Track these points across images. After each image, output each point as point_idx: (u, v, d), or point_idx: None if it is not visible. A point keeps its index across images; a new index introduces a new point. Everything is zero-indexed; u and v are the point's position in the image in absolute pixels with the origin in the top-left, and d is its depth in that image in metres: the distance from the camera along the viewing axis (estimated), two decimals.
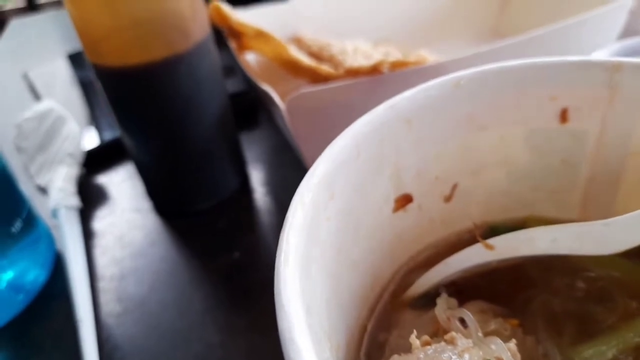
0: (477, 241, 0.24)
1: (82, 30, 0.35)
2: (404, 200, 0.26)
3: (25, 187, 0.40)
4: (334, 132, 0.25)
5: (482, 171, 0.27)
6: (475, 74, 0.25)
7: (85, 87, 0.63)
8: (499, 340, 0.19)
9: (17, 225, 0.35)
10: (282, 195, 0.44)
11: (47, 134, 0.48)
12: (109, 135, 0.52)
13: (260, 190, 0.45)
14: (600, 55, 0.38)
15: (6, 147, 0.43)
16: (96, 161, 0.49)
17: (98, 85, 0.38)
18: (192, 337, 0.33)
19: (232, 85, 0.54)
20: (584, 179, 0.27)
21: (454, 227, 0.28)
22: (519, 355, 0.19)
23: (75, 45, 0.69)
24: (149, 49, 0.35)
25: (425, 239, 0.28)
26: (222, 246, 0.39)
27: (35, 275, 0.38)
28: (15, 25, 0.94)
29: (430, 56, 0.45)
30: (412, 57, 0.38)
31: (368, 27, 0.58)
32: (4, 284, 0.36)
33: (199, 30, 0.36)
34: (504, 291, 0.25)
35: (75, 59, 0.69)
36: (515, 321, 0.23)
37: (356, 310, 0.24)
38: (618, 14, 0.45)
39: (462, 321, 0.20)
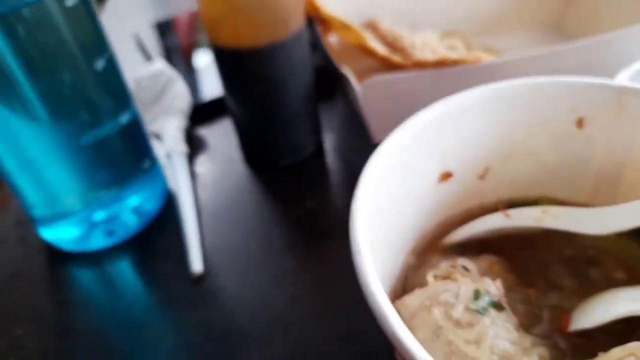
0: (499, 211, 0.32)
1: (205, 13, 0.44)
2: (447, 176, 0.34)
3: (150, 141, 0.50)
4: (398, 112, 0.34)
5: (510, 159, 0.35)
6: (512, 86, 0.32)
7: (169, 53, 0.73)
8: (488, 279, 0.27)
9: (147, 163, 0.46)
10: (349, 160, 0.52)
11: (160, 90, 0.57)
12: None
13: (332, 154, 0.53)
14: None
15: None
16: (202, 115, 0.59)
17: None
18: (272, 265, 0.43)
19: (315, 60, 0.62)
20: (593, 173, 0.35)
21: (484, 199, 0.36)
22: (502, 290, 0.27)
23: (160, 13, 0.79)
24: (256, 36, 0.43)
25: (462, 205, 0.36)
26: (298, 196, 0.48)
27: (153, 203, 0.48)
28: None
29: (487, 53, 0.52)
30: (469, 57, 0.45)
31: (438, 17, 0.65)
32: (130, 209, 0.46)
33: (297, 22, 0.45)
34: (514, 249, 0.33)
35: (161, 27, 0.79)
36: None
37: (402, 251, 0.33)
38: None
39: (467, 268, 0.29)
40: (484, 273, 0.30)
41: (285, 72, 0.46)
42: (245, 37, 0.44)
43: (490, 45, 0.59)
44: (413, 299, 0.27)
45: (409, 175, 0.31)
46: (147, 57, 0.70)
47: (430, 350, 0.24)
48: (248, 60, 0.45)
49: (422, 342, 0.25)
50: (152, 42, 0.77)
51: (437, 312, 0.25)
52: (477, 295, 0.26)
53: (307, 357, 0.35)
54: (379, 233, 0.28)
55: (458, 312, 0.25)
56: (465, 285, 0.26)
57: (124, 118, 0.42)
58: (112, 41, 0.42)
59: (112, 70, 0.42)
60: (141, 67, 0.59)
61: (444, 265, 0.30)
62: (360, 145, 0.53)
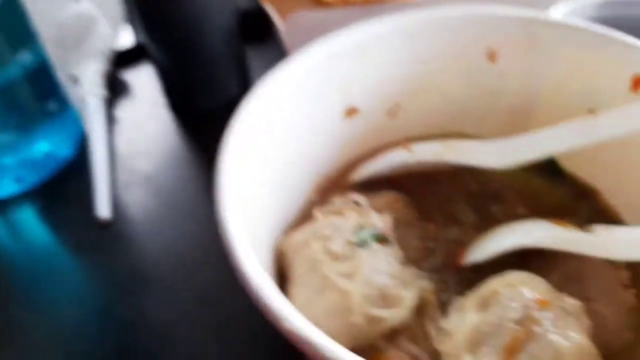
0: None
1: None
2: (352, 111, 0.32)
3: (62, 77, 0.47)
4: None
5: (420, 95, 0.33)
6: (419, 17, 0.31)
7: None
8: (374, 213, 0.26)
9: (52, 105, 0.43)
10: None
11: (83, 32, 0.54)
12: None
13: None
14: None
15: (48, 40, 0.50)
16: (125, 59, 0.56)
17: None
18: (187, 208, 0.41)
19: (247, 3, 0.59)
20: (506, 107, 0.33)
21: (394, 137, 0.34)
22: (390, 224, 0.26)
23: None
24: None
25: (371, 144, 0.34)
26: (219, 139, 0.46)
27: (65, 148, 0.45)
28: None
29: None
30: None
31: None
32: (41, 154, 0.44)
33: None
34: (419, 185, 0.32)
35: None
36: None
37: (304, 188, 0.31)
38: None
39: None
40: (383, 209, 0.29)
41: (202, 13, 0.43)
42: None
43: None
44: (297, 235, 0.26)
45: (309, 109, 0.30)
46: None
47: (304, 284, 0.23)
48: (163, 1, 0.42)
49: (299, 277, 0.24)
50: None
51: (315, 246, 0.24)
52: (359, 228, 0.25)
53: (214, 298, 0.35)
54: (272, 170, 0.27)
55: (337, 246, 0.24)
56: (350, 219, 0.25)
57: (26, 58, 0.40)
58: None
59: (11, 8, 0.39)
60: (67, 8, 0.55)
61: (337, 202, 0.28)
62: None
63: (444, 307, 0.25)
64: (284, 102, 0.28)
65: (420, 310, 0.25)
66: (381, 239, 0.25)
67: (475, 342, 0.21)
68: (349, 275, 0.23)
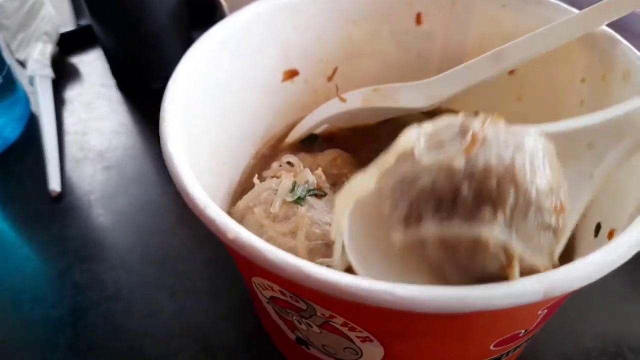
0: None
1: None
2: (291, 74, 0.31)
3: (9, 60, 0.45)
4: None
5: (357, 59, 0.32)
6: None
7: None
8: (307, 170, 0.25)
9: None
10: None
11: (27, 14, 0.51)
12: (86, 22, 0.56)
13: None
14: None
15: None
16: (72, 43, 0.53)
17: None
18: (139, 178, 0.40)
19: None
20: (435, 69, 0.33)
21: None
22: (324, 177, 0.25)
23: None
24: None
25: (311, 106, 0.33)
26: None
27: (12, 127, 0.43)
28: None
29: None
30: None
31: None
32: None
33: None
34: (358, 143, 0.32)
35: None
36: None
37: (247, 149, 0.31)
38: None
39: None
40: (327, 166, 0.28)
41: None
42: None
43: None
44: (241, 203, 0.25)
45: (248, 65, 0.29)
46: None
47: None
48: None
49: None
50: None
51: (257, 211, 0.24)
52: (293, 187, 0.24)
53: (167, 260, 0.34)
54: (207, 131, 0.26)
55: (275, 208, 0.23)
56: (285, 181, 0.25)
57: None
58: None
59: None
60: None
61: (274, 166, 0.28)
62: None
63: None
64: (223, 56, 0.26)
65: None
66: (316, 193, 0.24)
67: None
68: (291, 233, 0.22)
